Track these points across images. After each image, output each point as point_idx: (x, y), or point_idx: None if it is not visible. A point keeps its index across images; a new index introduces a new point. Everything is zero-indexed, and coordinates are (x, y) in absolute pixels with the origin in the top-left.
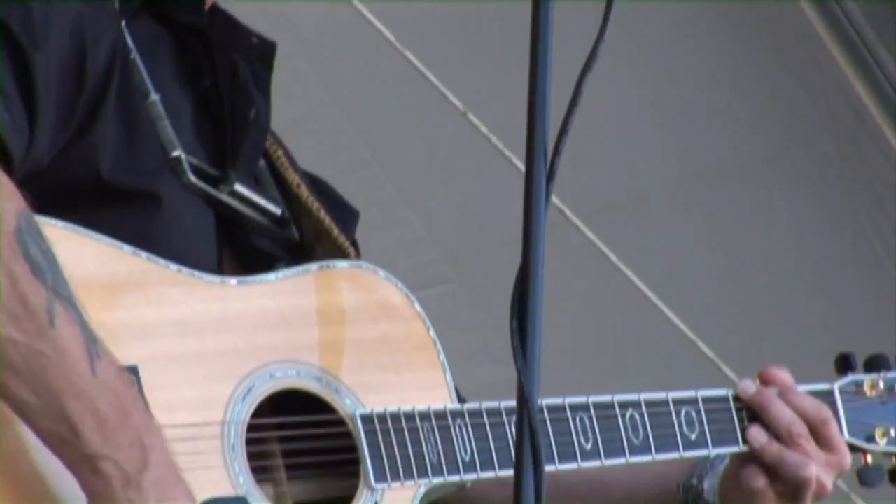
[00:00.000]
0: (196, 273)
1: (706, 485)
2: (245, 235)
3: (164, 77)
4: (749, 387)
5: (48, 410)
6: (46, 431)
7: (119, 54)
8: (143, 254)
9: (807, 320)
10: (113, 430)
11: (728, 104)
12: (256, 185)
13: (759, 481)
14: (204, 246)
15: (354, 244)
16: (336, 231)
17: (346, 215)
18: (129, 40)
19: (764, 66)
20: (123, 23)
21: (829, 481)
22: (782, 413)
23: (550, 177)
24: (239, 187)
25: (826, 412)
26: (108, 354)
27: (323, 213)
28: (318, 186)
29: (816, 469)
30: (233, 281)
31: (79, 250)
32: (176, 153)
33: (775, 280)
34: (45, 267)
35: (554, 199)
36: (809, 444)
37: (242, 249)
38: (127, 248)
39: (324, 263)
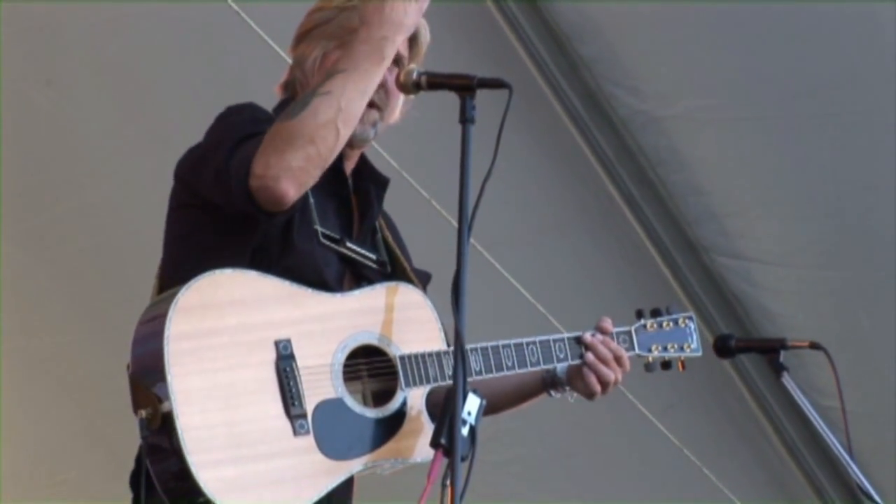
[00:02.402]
0: (321, 291)
1: (559, 369)
2: (359, 270)
3: (322, 186)
4: (588, 335)
5: (365, 49)
6: (369, 57)
7: None
8: (295, 284)
9: (611, 300)
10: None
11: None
12: (367, 244)
13: (591, 376)
14: (330, 272)
15: (414, 269)
16: (409, 268)
17: (406, 248)
18: None
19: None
20: None
21: (619, 378)
22: (604, 351)
23: (470, 228)
24: (349, 244)
25: (620, 352)
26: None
27: (402, 258)
28: (393, 228)
29: (612, 376)
30: (338, 295)
31: (263, 282)
32: (315, 226)
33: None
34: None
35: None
36: (614, 365)
37: (358, 278)
38: (286, 281)
39: (380, 283)
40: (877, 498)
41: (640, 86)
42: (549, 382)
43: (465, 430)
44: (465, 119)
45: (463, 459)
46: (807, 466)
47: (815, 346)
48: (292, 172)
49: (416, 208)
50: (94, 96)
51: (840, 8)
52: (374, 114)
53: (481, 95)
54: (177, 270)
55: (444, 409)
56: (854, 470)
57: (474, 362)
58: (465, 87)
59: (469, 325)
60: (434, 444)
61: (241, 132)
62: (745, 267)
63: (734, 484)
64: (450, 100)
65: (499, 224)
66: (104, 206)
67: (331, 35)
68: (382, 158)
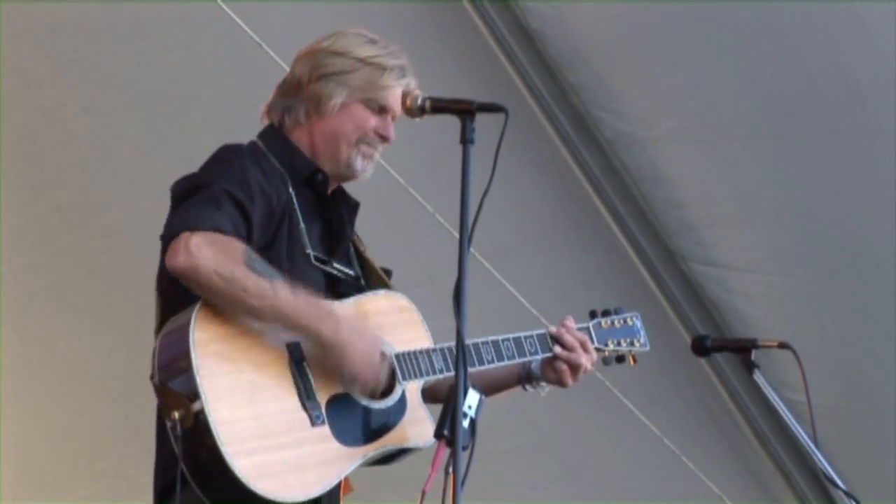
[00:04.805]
0: (318, 300)
1: (533, 365)
2: (340, 285)
3: (310, 210)
4: (553, 328)
5: (292, 325)
6: (298, 332)
7: (288, 205)
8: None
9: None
10: (318, 320)
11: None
12: (346, 261)
13: (562, 366)
14: (318, 288)
15: (387, 271)
16: (383, 274)
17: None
18: (293, 198)
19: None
20: (291, 189)
21: (588, 365)
22: (570, 339)
23: (470, 238)
24: (335, 264)
25: (584, 337)
26: (305, 295)
27: (377, 266)
28: (360, 241)
29: (583, 360)
30: (337, 302)
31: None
32: (307, 251)
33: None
34: (262, 271)
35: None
36: (581, 351)
37: (339, 292)
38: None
39: (373, 291)
40: (840, 483)
41: (624, 110)
42: (524, 377)
43: (465, 423)
44: (466, 140)
45: (464, 449)
46: (776, 455)
47: (783, 345)
48: (206, 273)
49: (420, 221)
50: (127, 122)
51: (804, 35)
52: (377, 154)
53: (480, 119)
54: (174, 284)
55: (446, 402)
56: (819, 458)
57: None
58: (465, 110)
59: (470, 326)
60: (437, 435)
61: (216, 191)
62: (719, 274)
63: (710, 470)
64: (451, 123)
65: (496, 235)
66: (140, 221)
67: (357, 87)
68: (390, 176)
